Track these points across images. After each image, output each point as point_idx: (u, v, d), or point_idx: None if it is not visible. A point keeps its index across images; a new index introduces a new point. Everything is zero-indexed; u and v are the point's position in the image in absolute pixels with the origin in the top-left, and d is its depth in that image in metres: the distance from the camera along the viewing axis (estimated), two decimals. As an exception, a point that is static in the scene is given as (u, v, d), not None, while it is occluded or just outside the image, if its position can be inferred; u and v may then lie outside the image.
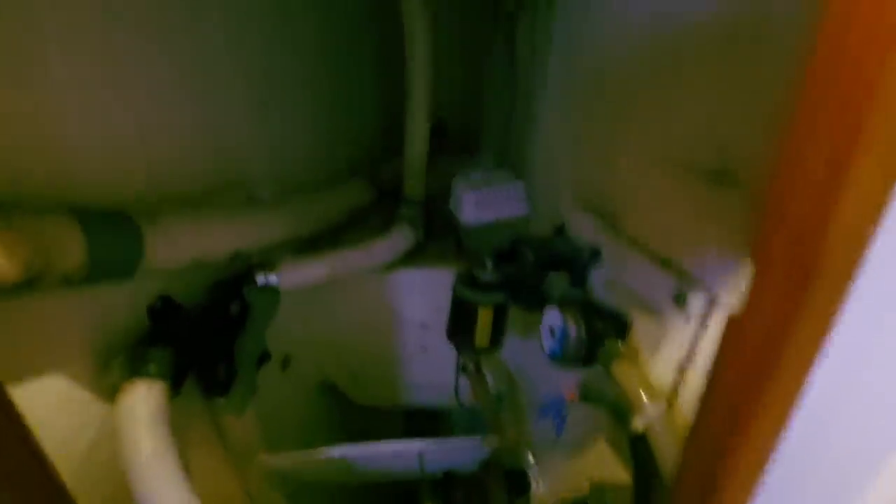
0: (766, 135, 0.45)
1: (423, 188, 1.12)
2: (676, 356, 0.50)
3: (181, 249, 0.55)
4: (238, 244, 0.65)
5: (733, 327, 0.35)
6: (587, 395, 0.52)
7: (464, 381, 0.92)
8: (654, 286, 0.54)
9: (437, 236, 1.10)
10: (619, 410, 0.48)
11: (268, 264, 0.72)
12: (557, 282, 0.62)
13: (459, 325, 0.68)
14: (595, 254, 0.63)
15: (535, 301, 0.67)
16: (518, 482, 0.88)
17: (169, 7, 0.62)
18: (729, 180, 0.48)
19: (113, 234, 0.47)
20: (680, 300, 0.49)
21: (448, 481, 0.91)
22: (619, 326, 0.51)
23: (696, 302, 0.48)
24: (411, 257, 0.94)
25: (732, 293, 0.45)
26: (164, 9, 0.62)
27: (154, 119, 0.61)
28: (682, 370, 0.50)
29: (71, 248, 0.43)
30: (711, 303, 0.48)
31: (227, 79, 0.77)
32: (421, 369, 1.03)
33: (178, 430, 0.67)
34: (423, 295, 0.95)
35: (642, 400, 0.46)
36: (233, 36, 0.78)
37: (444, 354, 0.97)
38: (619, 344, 0.49)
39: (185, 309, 0.64)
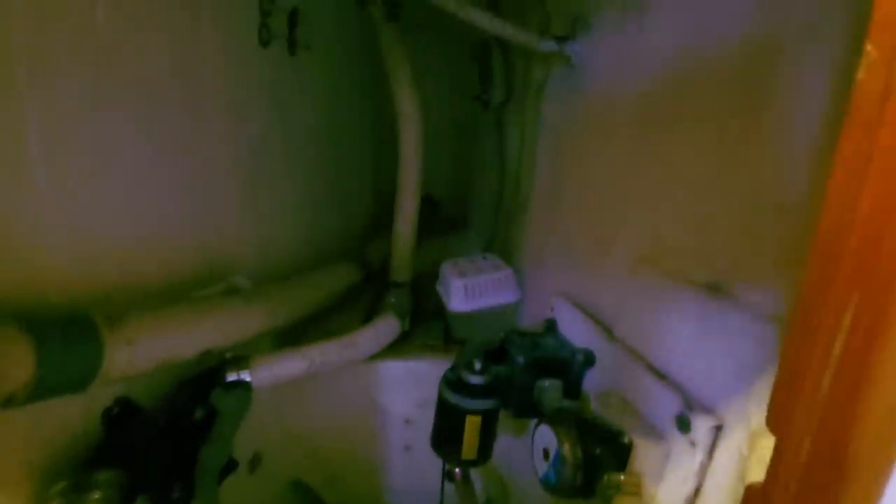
0: (758, 252, 0.44)
1: (411, 271, 1.11)
2: (683, 491, 0.45)
3: (146, 357, 0.51)
4: (210, 343, 0.61)
5: (753, 498, 0.31)
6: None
7: (449, 487, 0.84)
8: (654, 404, 0.50)
9: (424, 319, 1.07)
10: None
11: (241, 360, 0.67)
12: (550, 391, 0.58)
13: (445, 434, 0.63)
14: (589, 359, 0.60)
15: (527, 408, 0.63)
16: None
17: (161, 93, 0.63)
18: (725, 294, 0.47)
19: (70, 346, 0.43)
20: (683, 424, 0.46)
21: None
22: (619, 451, 0.46)
23: (701, 427, 0.44)
24: (396, 346, 0.90)
25: (742, 424, 0.42)
26: (156, 96, 0.62)
27: (133, 208, 0.59)
28: (690, 507, 0.46)
29: (17, 367, 0.38)
30: (718, 430, 0.44)
31: (216, 165, 0.76)
32: (404, 471, 0.95)
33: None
34: (408, 388, 0.90)
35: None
36: (225, 123, 0.79)
37: (430, 455, 0.90)
38: (621, 476, 0.45)
39: (144, 413, 0.58)
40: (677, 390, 0.48)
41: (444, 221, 1.83)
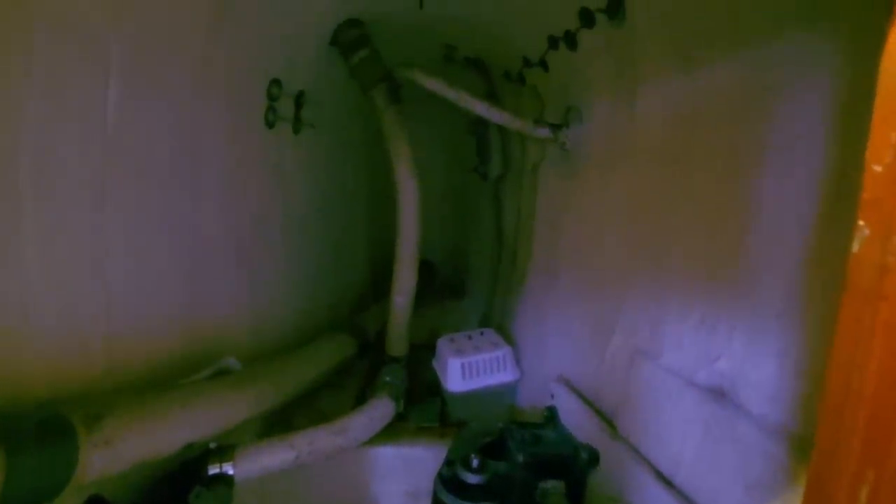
0: (761, 355, 0.43)
1: (407, 346, 1.08)
2: None
3: (124, 457, 0.48)
4: (194, 436, 0.58)
5: None
6: None
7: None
8: (664, 517, 0.47)
9: (420, 394, 1.03)
10: None
11: (225, 451, 0.64)
12: (553, 496, 0.54)
13: (440, 540, 0.59)
14: (593, 458, 0.57)
15: (528, 510, 0.59)
16: None
17: (163, 177, 0.63)
18: (729, 400, 0.45)
19: (44, 452, 0.40)
20: (695, 543, 0.42)
21: None
22: (628, 574, 0.43)
23: (716, 550, 0.41)
24: (389, 428, 0.86)
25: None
26: (158, 180, 0.63)
27: (125, 296, 0.58)
28: None
29: (-19, 483, 0.36)
30: (734, 554, 0.41)
31: (213, 243, 0.77)
32: (395, 571, 0.87)
33: None
34: (400, 477, 0.85)
35: None
36: (227, 203, 0.80)
37: (422, 552, 0.83)
38: None
39: (117, 515, 0.54)
40: (686, 502, 0.45)
41: (440, 286, 1.83)
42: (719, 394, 0.45)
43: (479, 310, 1.46)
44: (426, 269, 1.75)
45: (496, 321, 1.16)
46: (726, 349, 0.46)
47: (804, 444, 0.37)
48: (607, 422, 0.61)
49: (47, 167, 0.47)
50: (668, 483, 0.48)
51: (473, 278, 1.67)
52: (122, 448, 0.48)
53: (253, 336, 0.86)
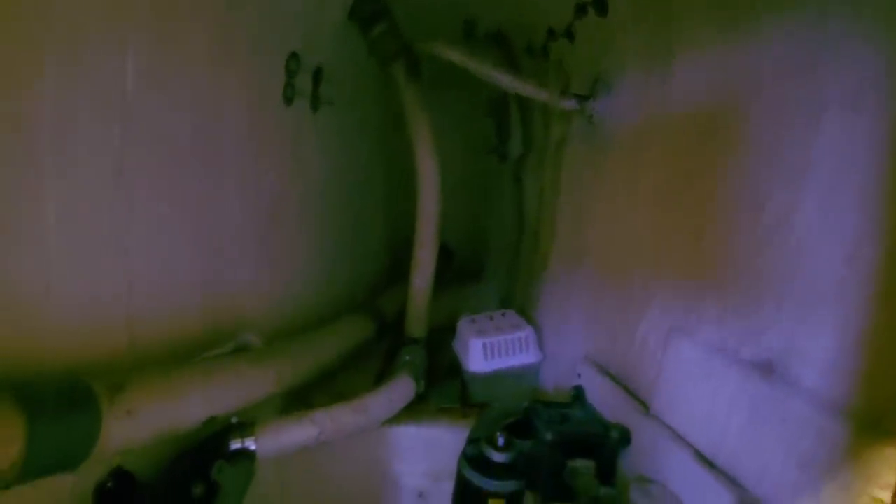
0: (817, 326, 0.40)
1: (427, 327, 1.07)
2: None
3: (146, 427, 0.47)
4: (215, 409, 0.57)
5: None
6: None
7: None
8: (701, 496, 0.45)
9: (439, 377, 1.01)
10: None
11: (246, 426, 0.63)
12: (584, 475, 0.52)
13: (465, 519, 0.57)
14: (625, 437, 0.55)
15: (556, 491, 0.57)
16: None
17: (182, 153, 0.62)
18: (779, 375, 0.42)
19: (65, 419, 0.40)
20: (740, 525, 0.40)
21: None
22: (667, 556, 0.41)
23: (763, 532, 0.38)
24: (410, 409, 0.85)
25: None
26: (177, 156, 0.61)
27: (146, 272, 0.58)
28: None
29: (5, 448, 0.35)
30: (783, 536, 0.38)
31: (232, 221, 0.76)
32: (415, 551, 0.87)
33: None
34: (421, 457, 0.84)
35: None
36: (247, 183, 0.79)
37: (444, 532, 0.82)
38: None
39: (141, 487, 0.54)
40: (729, 483, 0.43)
41: (458, 271, 1.81)
42: (767, 369, 0.42)
43: (498, 294, 1.43)
44: (444, 254, 1.73)
45: (517, 304, 1.14)
46: (774, 322, 0.43)
47: (865, 419, 0.34)
48: (639, 401, 0.58)
49: (67, 140, 0.46)
50: (708, 463, 0.45)
51: (493, 263, 1.65)
52: (143, 419, 0.47)
53: (272, 316, 0.86)
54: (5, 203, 0.41)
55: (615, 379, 0.64)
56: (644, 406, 0.57)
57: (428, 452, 0.83)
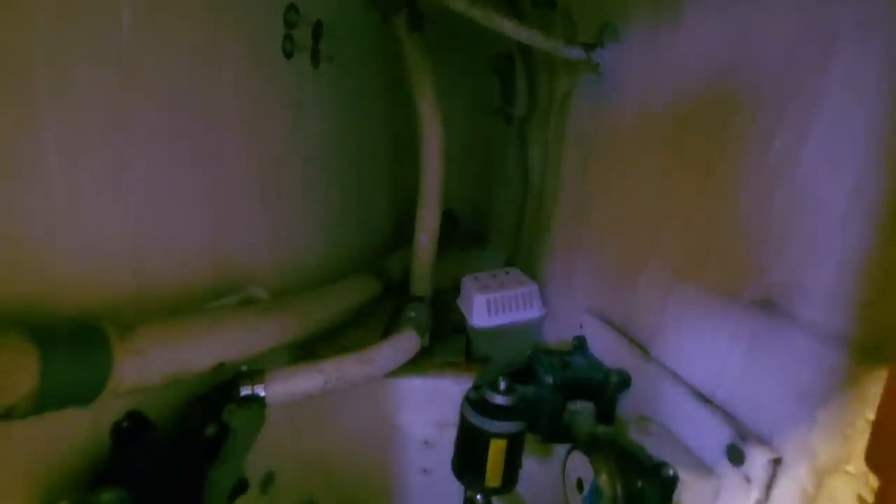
0: (819, 261, 0.39)
1: (431, 285, 1.08)
2: (738, 531, 0.40)
3: (157, 369, 0.49)
4: (223, 355, 0.58)
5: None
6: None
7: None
8: (701, 433, 0.46)
9: (444, 336, 1.03)
10: None
11: (255, 373, 0.65)
12: (582, 415, 0.53)
13: (467, 459, 0.59)
14: (625, 381, 0.56)
15: (556, 432, 0.59)
16: None
17: (181, 102, 0.62)
18: (780, 311, 0.42)
19: (77, 355, 0.41)
20: (735, 455, 0.41)
21: None
22: (663, 485, 0.42)
23: (757, 460, 0.40)
24: (415, 363, 0.87)
25: (805, 459, 0.37)
26: (176, 105, 0.61)
27: (150, 218, 0.58)
28: (745, 550, 0.41)
29: (19, 376, 0.37)
30: (776, 464, 0.39)
31: (235, 176, 0.76)
32: (421, 495, 0.90)
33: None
34: (427, 407, 0.86)
35: None
36: (249, 135, 0.79)
37: (449, 479, 0.85)
38: (667, 514, 0.40)
39: (155, 428, 0.56)
40: (727, 418, 0.43)
41: (463, 236, 1.81)
42: (768, 305, 0.42)
43: (501, 257, 1.43)
44: (449, 220, 1.73)
45: (521, 263, 1.14)
46: (776, 259, 0.42)
47: (863, 347, 0.34)
48: (640, 348, 0.59)
49: (64, 82, 0.46)
50: (706, 401, 0.46)
51: (496, 227, 1.64)
52: (154, 359, 0.48)
53: (277, 273, 0.87)
54: (4, 144, 0.41)
55: (617, 328, 0.64)
56: (645, 352, 0.58)
57: (433, 403, 0.85)
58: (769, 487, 0.39)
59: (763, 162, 0.44)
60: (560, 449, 0.80)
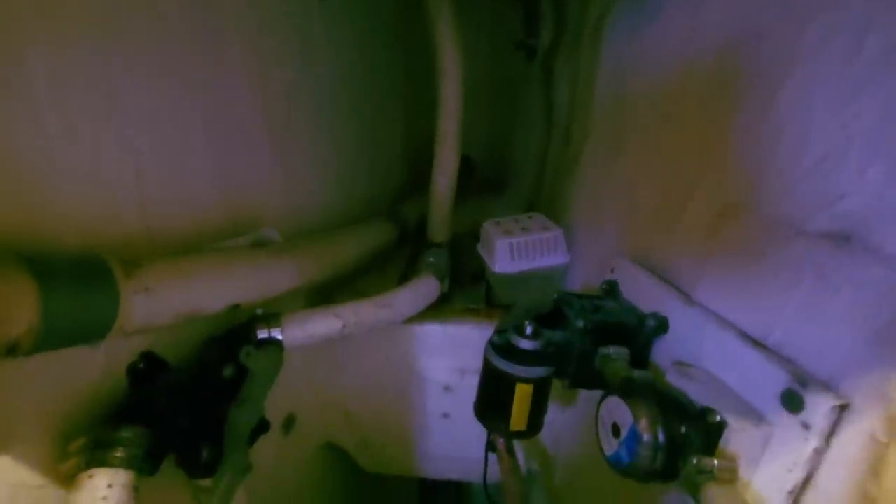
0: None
1: (450, 231, 1.04)
2: (787, 481, 0.37)
3: (167, 307, 0.46)
4: (236, 297, 0.56)
5: None
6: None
7: (490, 458, 0.79)
8: (751, 378, 0.42)
9: (463, 283, 1.00)
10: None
11: (272, 317, 0.63)
12: (616, 360, 0.50)
13: (491, 404, 0.57)
14: (662, 325, 0.52)
15: (585, 377, 0.56)
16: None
17: (178, 30, 0.56)
18: (857, 244, 0.37)
19: (80, 290, 0.38)
20: (791, 402, 0.37)
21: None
22: (708, 431, 0.39)
23: (819, 406, 0.36)
24: (434, 309, 0.84)
25: (878, 406, 0.33)
26: (173, 32, 0.56)
27: (154, 155, 0.54)
28: (796, 500, 0.38)
29: (19, 311, 0.34)
30: (842, 410, 0.35)
31: (241, 112, 0.71)
32: (441, 439, 0.90)
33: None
34: (447, 354, 0.84)
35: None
36: (254, 70, 0.73)
37: (469, 423, 0.85)
38: (715, 461, 0.37)
39: (172, 369, 0.55)
40: (783, 362, 0.39)
41: (480, 184, 1.74)
42: (842, 238, 0.37)
43: (522, 204, 1.37)
44: (466, 167, 1.66)
45: (544, 207, 1.08)
46: (857, 184, 0.37)
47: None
48: (680, 292, 0.55)
49: (50, 2, 0.41)
50: (758, 344, 0.42)
51: (516, 173, 1.57)
52: (164, 297, 0.46)
53: (290, 217, 0.83)
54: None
55: (653, 272, 0.60)
56: (685, 296, 0.54)
57: (453, 350, 0.84)
58: (830, 436, 0.35)
59: (853, 63, 0.38)
60: (585, 395, 0.78)
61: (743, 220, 0.47)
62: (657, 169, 0.64)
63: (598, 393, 0.50)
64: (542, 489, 0.92)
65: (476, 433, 0.77)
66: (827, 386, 0.36)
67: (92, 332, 0.40)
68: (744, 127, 0.48)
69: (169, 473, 0.54)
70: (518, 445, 0.87)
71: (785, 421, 0.38)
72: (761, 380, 0.40)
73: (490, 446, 0.72)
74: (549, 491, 0.89)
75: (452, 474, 0.96)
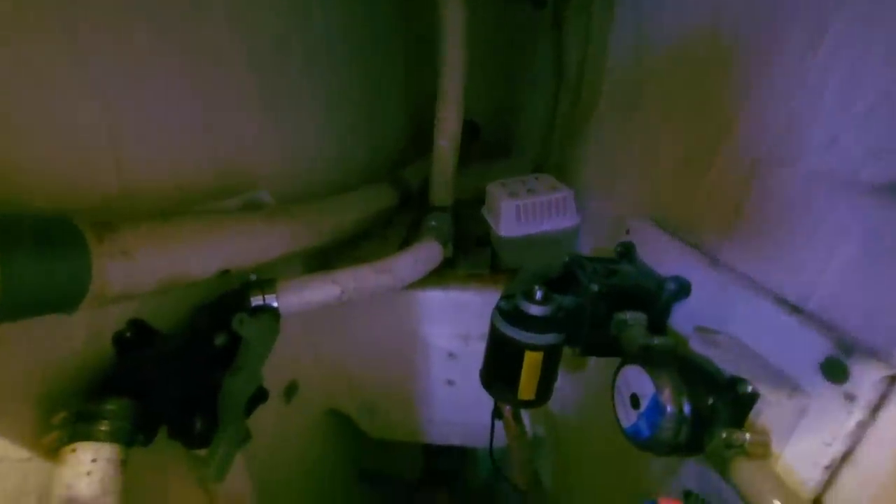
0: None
1: (452, 195, 0.99)
2: (825, 456, 0.34)
3: (149, 272, 0.43)
4: (226, 261, 0.52)
5: None
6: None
7: (497, 423, 0.77)
8: (784, 345, 0.38)
9: (467, 250, 0.96)
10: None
11: (266, 283, 0.59)
12: (633, 326, 0.47)
13: (498, 372, 0.54)
14: (684, 288, 0.48)
15: (598, 344, 0.53)
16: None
17: None
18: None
19: (46, 254, 0.35)
20: (834, 371, 0.34)
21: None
22: (738, 402, 0.36)
23: (867, 376, 0.32)
24: (437, 275, 0.81)
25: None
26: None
27: (131, 111, 0.50)
28: (833, 475, 0.35)
29: (-26, 276, 0.31)
30: (891, 382, 0.32)
31: (228, 66, 0.65)
32: (446, 405, 0.89)
33: (151, 489, 0.55)
34: (451, 320, 0.81)
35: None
36: (241, 21, 0.67)
37: (474, 390, 0.83)
38: (746, 434, 0.34)
39: (161, 337, 0.52)
40: (824, 328, 0.36)
41: (484, 149, 1.67)
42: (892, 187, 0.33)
43: (528, 167, 1.32)
44: (468, 130, 1.59)
45: (552, 168, 1.03)
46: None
47: None
48: (705, 253, 0.51)
49: None
50: (796, 309, 0.38)
51: (522, 135, 1.51)
52: (144, 262, 0.42)
53: (284, 179, 0.79)
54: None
55: (674, 232, 0.56)
56: (711, 258, 0.50)
57: (457, 316, 0.81)
58: (877, 409, 0.32)
59: None
60: (594, 360, 0.75)
61: (779, 175, 0.42)
62: (680, 124, 0.58)
63: (610, 360, 0.47)
64: (548, 455, 0.91)
65: (481, 399, 0.75)
66: (876, 355, 0.32)
67: (63, 299, 0.37)
68: (784, 70, 0.43)
69: (167, 444, 0.52)
70: (524, 411, 0.85)
71: (825, 391, 0.34)
72: (798, 347, 0.37)
73: (497, 413, 0.70)
74: (556, 456, 0.88)
75: (457, 440, 0.95)
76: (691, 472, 0.50)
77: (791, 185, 0.41)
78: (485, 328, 0.56)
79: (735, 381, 0.36)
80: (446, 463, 1.48)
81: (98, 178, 0.47)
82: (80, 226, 0.38)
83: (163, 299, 0.54)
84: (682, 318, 0.51)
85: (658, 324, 0.50)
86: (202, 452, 0.53)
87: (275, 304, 0.59)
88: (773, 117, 0.44)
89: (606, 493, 0.71)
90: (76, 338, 0.45)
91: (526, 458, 0.74)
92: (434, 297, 0.80)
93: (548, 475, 0.89)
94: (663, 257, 0.55)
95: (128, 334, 0.49)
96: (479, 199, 0.92)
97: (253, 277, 0.60)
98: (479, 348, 0.59)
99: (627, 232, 0.62)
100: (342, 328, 0.84)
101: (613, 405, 0.43)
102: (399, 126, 1.45)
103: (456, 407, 0.89)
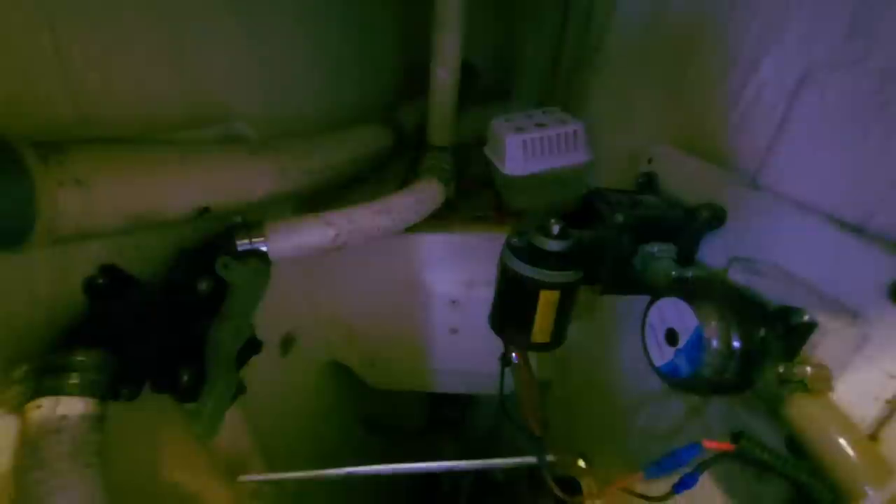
0: None
1: (453, 135, 0.92)
2: (889, 388, 0.30)
3: (109, 204, 0.37)
4: (203, 197, 0.46)
5: None
6: (750, 451, 0.33)
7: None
8: (841, 270, 0.34)
9: (469, 194, 0.90)
10: (804, 485, 0.30)
11: (253, 226, 0.54)
12: (662, 259, 0.42)
13: (510, 314, 0.50)
14: (717, 216, 0.43)
15: (623, 280, 0.48)
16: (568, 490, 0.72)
17: None
18: None
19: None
20: (905, 295, 0.29)
21: (481, 489, 0.76)
22: (793, 333, 0.31)
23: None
24: (439, 218, 0.75)
25: None
26: None
27: (84, 32, 0.42)
28: (894, 409, 0.31)
29: None
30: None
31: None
32: (449, 354, 0.86)
33: (145, 445, 0.52)
34: (454, 266, 0.77)
35: (861, 480, 0.27)
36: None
37: (478, 337, 0.80)
38: (807, 368, 0.30)
39: (138, 284, 0.47)
40: (890, 248, 0.31)
41: (484, 92, 1.58)
42: None
43: (532, 106, 1.23)
44: (467, 73, 1.48)
45: (560, 101, 0.95)
46: None
47: None
48: (741, 175, 0.45)
49: None
50: (854, 229, 0.33)
51: (525, 74, 1.41)
52: (102, 193, 0.36)
53: (266, 111, 0.71)
54: None
55: (704, 156, 0.50)
56: (749, 180, 0.44)
57: (460, 261, 0.76)
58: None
59: None
60: (604, 302, 0.71)
61: (836, 82, 0.36)
62: (711, 35, 0.51)
63: (623, 299, 0.43)
64: (556, 400, 0.90)
65: (487, 347, 0.71)
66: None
67: (6, 233, 0.31)
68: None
69: (160, 401, 0.48)
70: (532, 354, 0.82)
71: (890, 317, 0.30)
72: (860, 270, 0.32)
73: (505, 361, 0.66)
74: (563, 401, 0.87)
75: (461, 388, 0.93)
76: (715, 413, 0.47)
77: (853, 92, 0.35)
78: (489, 274, 0.51)
79: (787, 311, 0.32)
80: (450, 410, 1.49)
81: (47, 102, 0.40)
82: (18, 146, 0.32)
83: (139, 241, 0.48)
84: (713, 250, 0.46)
85: (687, 256, 0.46)
86: (189, 406, 0.50)
87: (263, 248, 0.54)
88: (832, 17, 0.37)
89: (619, 436, 0.70)
90: (37, 282, 0.40)
91: (538, 404, 0.72)
92: (435, 242, 0.75)
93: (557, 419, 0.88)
94: (692, 184, 0.49)
95: (100, 280, 0.44)
96: (480, 144, 0.85)
97: (238, 219, 0.54)
98: (483, 295, 0.54)
99: (650, 161, 0.56)
100: (340, 277, 0.79)
101: (643, 342, 0.39)
102: (393, 60, 1.35)
103: (460, 355, 0.86)
